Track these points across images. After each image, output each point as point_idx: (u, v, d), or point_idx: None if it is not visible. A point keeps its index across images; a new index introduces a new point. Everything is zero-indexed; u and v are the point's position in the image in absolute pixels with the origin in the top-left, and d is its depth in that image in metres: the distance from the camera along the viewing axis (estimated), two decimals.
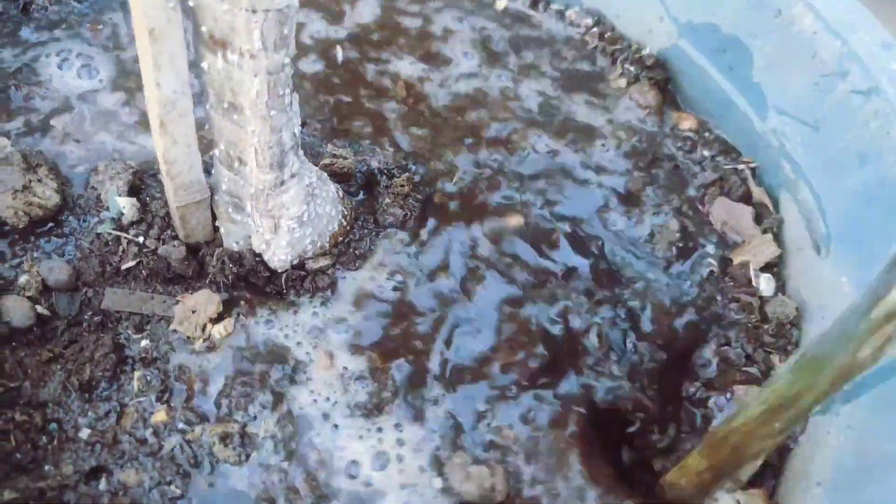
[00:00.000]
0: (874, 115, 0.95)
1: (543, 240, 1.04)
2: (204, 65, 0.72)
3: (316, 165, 0.94)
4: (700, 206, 1.13)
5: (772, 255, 1.07)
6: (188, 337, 0.87)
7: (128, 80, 1.11)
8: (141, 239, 0.92)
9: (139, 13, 0.64)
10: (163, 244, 0.91)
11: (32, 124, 1.03)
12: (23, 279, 0.89)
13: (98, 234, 0.93)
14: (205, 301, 0.87)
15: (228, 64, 0.69)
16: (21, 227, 0.92)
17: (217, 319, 0.87)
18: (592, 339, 0.96)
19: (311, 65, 1.20)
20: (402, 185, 1.00)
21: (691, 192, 1.15)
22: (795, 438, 0.92)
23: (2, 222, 0.92)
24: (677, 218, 1.10)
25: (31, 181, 0.93)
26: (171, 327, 0.87)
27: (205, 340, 0.87)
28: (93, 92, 1.09)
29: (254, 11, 0.65)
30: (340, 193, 0.96)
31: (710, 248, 1.08)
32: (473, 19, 1.32)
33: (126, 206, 0.93)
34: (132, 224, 0.93)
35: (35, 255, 0.92)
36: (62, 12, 1.17)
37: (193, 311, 0.86)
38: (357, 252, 0.96)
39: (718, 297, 1.04)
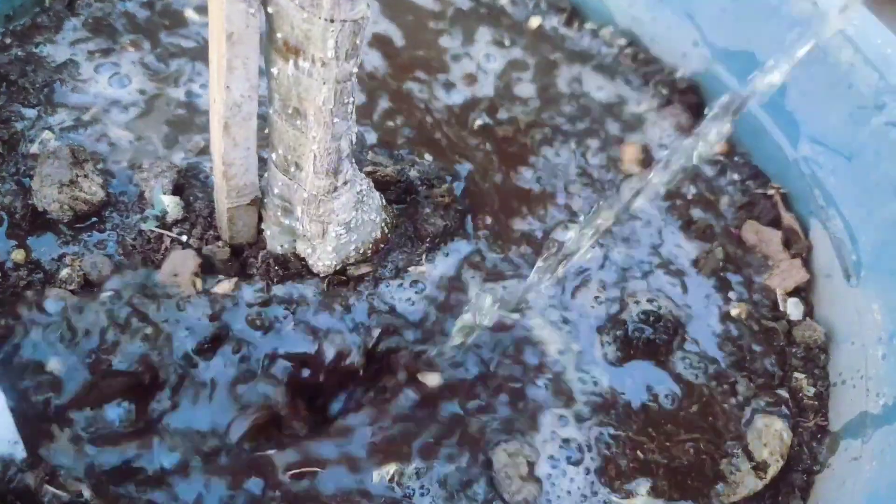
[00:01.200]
0: None
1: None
2: (274, 70, 0.73)
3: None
4: (733, 230, 1.14)
5: (800, 279, 1.08)
6: (187, 296, 0.88)
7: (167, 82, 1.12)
8: (184, 238, 0.92)
9: (219, 17, 0.65)
10: (206, 244, 0.92)
11: (78, 119, 1.03)
12: (64, 273, 0.89)
13: (141, 231, 0.93)
14: (181, 261, 0.87)
15: (299, 70, 0.70)
16: (65, 220, 0.92)
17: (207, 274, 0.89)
18: None
19: None
20: (442, 196, 1.01)
21: (724, 211, 1.16)
22: (825, 464, 0.93)
23: (47, 215, 0.92)
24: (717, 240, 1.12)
25: (77, 176, 0.93)
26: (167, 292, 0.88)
27: (202, 293, 0.88)
28: (136, 92, 1.10)
29: (332, 21, 0.66)
30: (383, 201, 0.97)
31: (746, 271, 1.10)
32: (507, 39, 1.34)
33: (171, 204, 0.94)
34: (176, 223, 0.94)
35: (77, 249, 0.92)
36: (105, 9, 1.18)
37: (175, 275, 0.86)
38: (398, 263, 0.97)
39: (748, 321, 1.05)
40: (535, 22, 1.37)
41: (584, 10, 1.39)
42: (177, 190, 0.96)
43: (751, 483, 0.91)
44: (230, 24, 0.65)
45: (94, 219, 0.94)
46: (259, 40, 0.70)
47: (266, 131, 0.81)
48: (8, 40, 1.09)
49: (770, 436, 0.93)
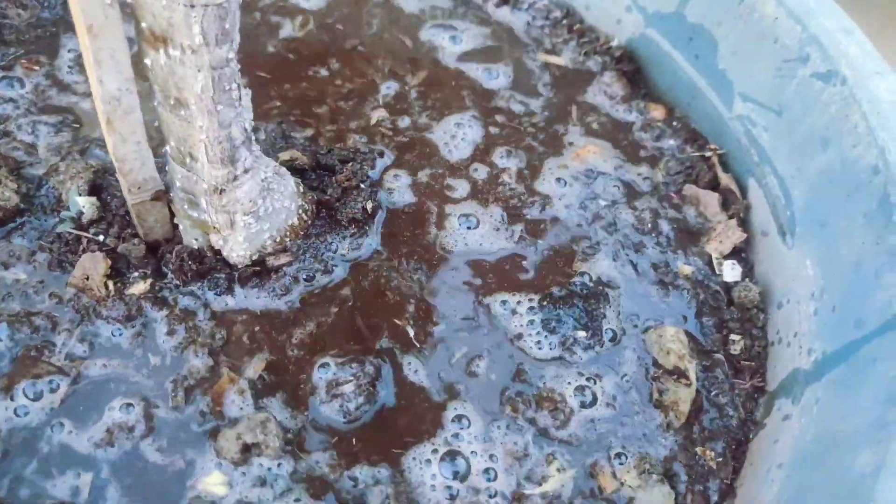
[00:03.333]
0: (834, 98, 0.95)
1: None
2: (147, 61, 0.72)
3: (276, 161, 0.94)
4: (672, 194, 1.12)
5: (738, 240, 1.07)
6: (98, 301, 0.87)
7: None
8: (101, 237, 0.92)
9: (77, 10, 0.64)
10: (123, 242, 0.91)
11: None
12: None
13: (59, 235, 0.93)
14: (91, 264, 0.87)
15: (171, 60, 0.69)
16: None
17: (116, 277, 0.89)
18: None
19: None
20: (348, 180, 0.99)
21: (660, 178, 1.14)
22: (760, 423, 0.92)
23: None
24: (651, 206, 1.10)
25: None
26: (74, 298, 0.88)
27: (112, 297, 0.87)
28: (51, 94, 1.09)
29: (192, 6, 0.64)
30: (301, 188, 0.96)
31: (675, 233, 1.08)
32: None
33: (86, 205, 0.93)
34: (92, 223, 0.93)
35: None
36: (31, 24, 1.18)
37: (87, 278, 0.86)
38: (319, 252, 0.96)
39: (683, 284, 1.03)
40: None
41: None
42: (94, 190, 0.96)
43: (684, 393, 0.92)
44: (87, 16, 0.64)
45: (10, 224, 0.94)
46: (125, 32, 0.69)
47: (156, 124, 0.80)
48: None
49: (667, 341, 0.95)
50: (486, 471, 0.84)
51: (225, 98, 0.74)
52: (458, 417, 0.87)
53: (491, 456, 0.85)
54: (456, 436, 0.86)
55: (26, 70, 1.11)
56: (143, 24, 0.68)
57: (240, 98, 0.76)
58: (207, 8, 0.66)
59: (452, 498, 0.82)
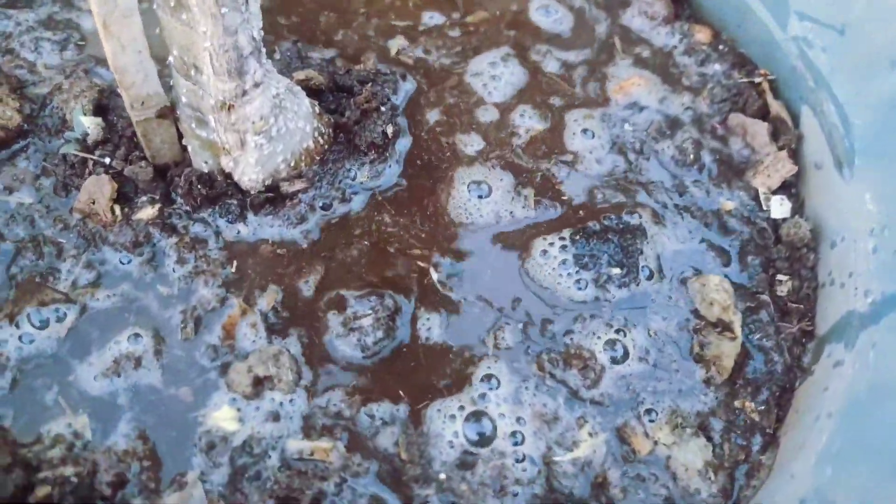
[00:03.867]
0: None
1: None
2: None
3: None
4: (716, 124, 1.04)
5: (788, 173, 0.98)
6: (104, 226, 0.83)
7: None
8: (107, 160, 0.87)
9: None
10: (130, 165, 0.86)
11: None
12: None
13: (64, 156, 0.88)
14: (96, 187, 0.82)
15: None
16: None
17: (123, 202, 0.84)
18: None
19: None
20: (367, 101, 0.92)
21: (704, 108, 1.05)
22: (808, 370, 0.86)
23: None
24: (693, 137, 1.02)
25: None
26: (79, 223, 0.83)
27: (119, 222, 0.83)
28: (61, 10, 1.03)
29: None
30: (317, 109, 0.89)
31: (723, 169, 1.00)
32: None
33: (91, 125, 0.88)
34: (98, 144, 0.88)
35: None
36: None
37: (93, 202, 0.81)
38: (336, 179, 0.90)
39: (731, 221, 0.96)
40: None
41: None
42: (99, 110, 0.91)
43: (728, 347, 0.85)
44: None
45: (13, 145, 0.90)
46: None
47: (157, 30, 0.73)
48: None
49: (711, 291, 0.88)
50: (514, 434, 0.78)
51: (230, 0, 0.67)
52: (487, 376, 0.81)
53: (518, 419, 0.79)
54: (483, 396, 0.80)
55: None
56: None
57: (247, 1, 0.70)
58: None
59: (469, 459, 0.77)
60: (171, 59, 0.75)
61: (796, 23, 1.00)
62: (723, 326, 0.87)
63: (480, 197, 0.92)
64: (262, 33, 0.74)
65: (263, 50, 0.76)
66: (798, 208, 0.98)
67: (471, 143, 0.97)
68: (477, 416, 0.79)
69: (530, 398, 0.80)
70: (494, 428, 0.78)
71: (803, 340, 0.89)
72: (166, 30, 0.71)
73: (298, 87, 0.85)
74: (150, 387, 0.77)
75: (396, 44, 1.07)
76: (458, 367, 0.82)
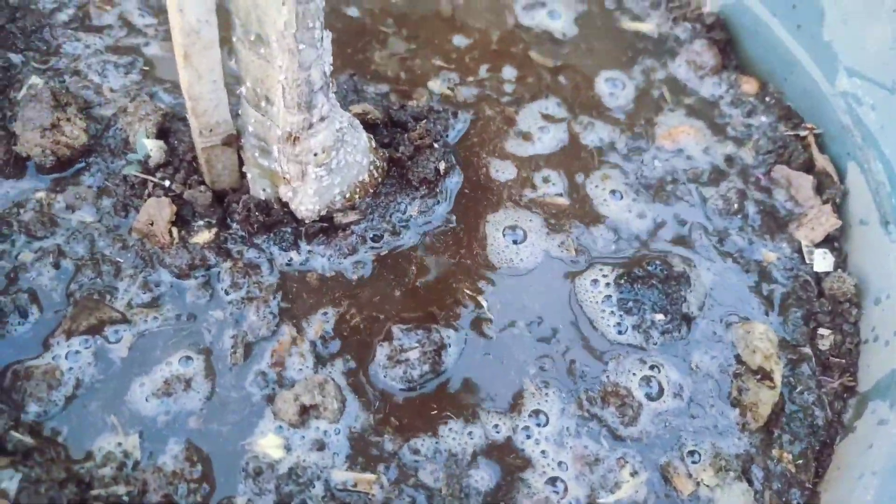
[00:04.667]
0: None
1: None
2: None
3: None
4: (760, 175, 1.05)
5: (832, 227, 0.99)
6: (161, 247, 0.84)
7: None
8: (167, 183, 0.89)
9: None
10: (189, 189, 0.88)
11: (66, 66, 1.00)
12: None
13: (125, 177, 0.90)
14: (156, 209, 0.84)
15: None
16: (48, 166, 0.90)
17: (180, 225, 0.86)
18: None
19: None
20: (421, 138, 0.94)
21: (749, 158, 1.07)
22: (850, 426, 0.86)
23: (29, 160, 0.90)
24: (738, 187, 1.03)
25: (59, 119, 0.90)
26: (137, 243, 0.85)
27: (176, 244, 0.84)
28: (127, 36, 1.06)
29: None
30: (373, 143, 0.91)
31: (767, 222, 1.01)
32: None
33: (153, 148, 0.90)
34: (159, 167, 0.90)
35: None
36: None
37: (152, 223, 0.83)
38: (388, 212, 0.91)
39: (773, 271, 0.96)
40: None
41: None
42: (161, 133, 0.93)
43: (766, 395, 0.85)
44: None
45: (77, 164, 0.92)
46: None
47: (233, 62, 0.76)
48: None
49: (755, 339, 0.88)
50: (553, 481, 0.79)
51: (307, 37, 0.69)
52: (535, 412, 0.82)
53: (560, 464, 0.79)
54: (526, 431, 0.81)
55: (98, 9, 1.08)
56: None
57: (321, 39, 0.72)
58: None
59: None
60: (242, 89, 0.77)
61: (845, 79, 1.02)
62: (763, 374, 0.87)
63: (516, 242, 0.94)
64: (331, 69, 0.77)
65: (331, 84, 0.78)
66: (841, 262, 0.99)
67: (517, 187, 0.99)
68: (522, 456, 0.79)
69: (572, 440, 0.81)
70: (534, 466, 0.79)
71: (844, 396, 0.89)
72: (243, 62, 0.74)
73: (358, 122, 0.87)
74: (199, 410, 0.78)
75: (448, 82, 1.09)
76: (499, 403, 0.82)
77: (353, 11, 1.16)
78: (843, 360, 0.91)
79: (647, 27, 1.21)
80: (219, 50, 0.72)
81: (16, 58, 0.99)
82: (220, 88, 0.75)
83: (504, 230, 0.95)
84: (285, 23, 0.66)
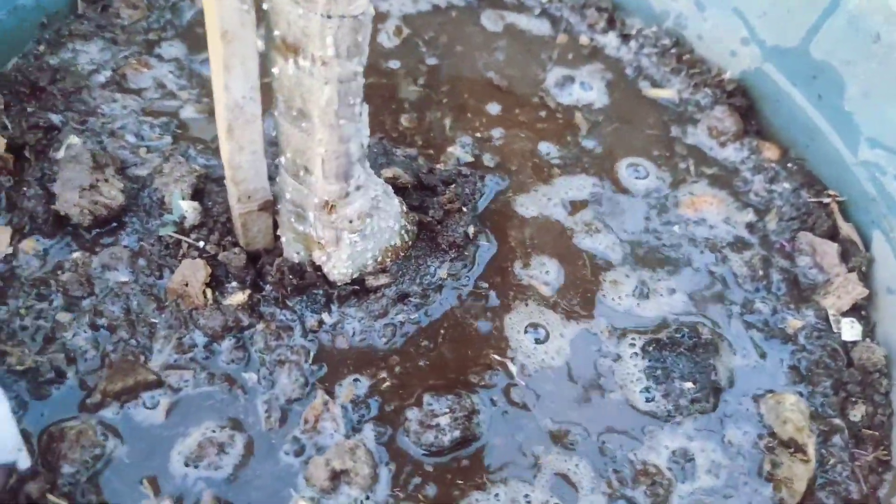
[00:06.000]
0: None
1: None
2: (275, 70, 0.70)
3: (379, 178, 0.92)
4: (784, 242, 1.06)
5: (858, 296, 0.99)
6: (195, 308, 0.85)
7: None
8: (202, 244, 0.91)
9: (213, 15, 0.62)
10: (223, 250, 0.90)
11: (103, 126, 1.03)
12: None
13: (160, 237, 0.92)
14: (191, 270, 0.85)
15: (299, 70, 0.67)
16: (86, 225, 0.91)
17: (214, 286, 0.87)
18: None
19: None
20: (451, 202, 0.95)
21: (772, 225, 1.08)
22: (885, 502, 0.84)
23: (68, 220, 0.92)
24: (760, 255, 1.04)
25: (98, 180, 0.92)
26: (173, 305, 0.86)
27: (209, 305, 0.85)
28: (161, 98, 1.09)
29: (329, 17, 0.62)
30: (404, 207, 0.93)
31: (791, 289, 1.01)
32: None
33: (188, 209, 0.92)
34: (194, 228, 0.92)
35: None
36: (135, 17, 1.19)
37: (186, 284, 0.84)
38: (418, 275, 0.92)
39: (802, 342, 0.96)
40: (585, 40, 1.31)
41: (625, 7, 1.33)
42: (196, 195, 0.95)
43: (801, 469, 0.84)
44: (223, 21, 0.62)
45: (114, 224, 0.94)
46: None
47: (274, 134, 0.78)
48: (41, 48, 1.11)
49: (786, 410, 0.87)
50: None
51: (348, 112, 0.71)
52: (563, 480, 0.82)
53: None
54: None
55: (134, 71, 1.12)
56: (276, 32, 0.66)
57: (361, 113, 0.74)
58: (344, 19, 0.63)
59: None
60: (281, 159, 0.79)
61: (867, 149, 1.03)
62: (795, 447, 0.86)
63: (538, 341, 0.94)
64: (369, 140, 0.79)
65: (367, 154, 0.80)
66: (869, 332, 0.98)
67: (542, 264, 0.99)
68: None
69: None
70: None
71: (879, 470, 0.88)
72: (283, 134, 0.76)
73: (390, 188, 0.89)
74: (231, 475, 0.78)
75: (474, 146, 1.11)
76: (528, 472, 0.82)
77: (386, 67, 1.19)
78: (877, 433, 0.90)
79: (668, 94, 1.23)
80: (261, 123, 0.74)
81: (56, 118, 1.02)
82: (260, 158, 0.77)
83: (527, 327, 0.94)
84: (327, 100, 0.68)
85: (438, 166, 1.05)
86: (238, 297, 0.87)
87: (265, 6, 0.65)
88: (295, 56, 0.66)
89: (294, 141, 0.75)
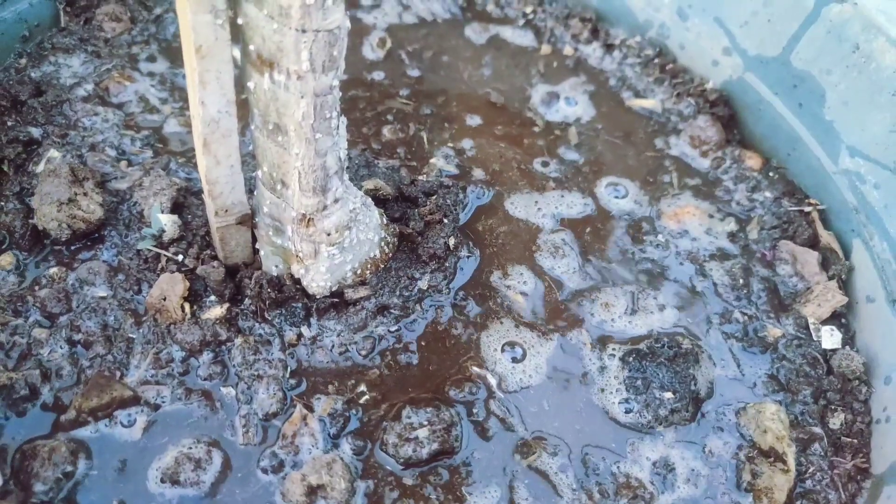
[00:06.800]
0: None
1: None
2: (250, 84, 0.70)
3: (360, 190, 0.91)
4: (764, 251, 1.06)
5: (838, 304, 0.99)
6: (173, 323, 0.85)
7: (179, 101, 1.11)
8: (180, 257, 0.90)
9: (187, 30, 0.62)
10: (202, 263, 0.89)
11: (83, 140, 1.02)
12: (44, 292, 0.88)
13: (138, 251, 0.91)
14: (169, 285, 0.84)
15: (275, 84, 0.67)
16: (64, 239, 0.91)
17: (193, 299, 0.86)
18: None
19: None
20: (431, 213, 0.96)
21: (753, 234, 1.08)
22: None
23: (46, 234, 0.91)
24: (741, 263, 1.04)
25: (76, 194, 0.92)
26: (151, 320, 0.85)
27: (187, 319, 0.85)
28: (143, 112, 1.09)
29: (303, 31, 0.62)
30: (384, 219, 0.93)
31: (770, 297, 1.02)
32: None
33: (167, 222, 0.92)
34: (172, 242, 0.92)
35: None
36: (118, 30, 1.19)
37: (164, 299, 0.84)
38: (398, 287, 0.92)
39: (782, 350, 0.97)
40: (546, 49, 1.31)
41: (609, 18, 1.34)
42: (176, 208, 0.95)
43: (781, 479, 0.84)
44: (198, 36, 0.62)
45: (94, 237, 0.93)
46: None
47: (251, 147, 0.78)
48: (23, 60, 1.10)
49: (766, 419, 0.87)
50: None
51: (324, 126, 0.71)
52: (545, 491, 0.81)
53: None
54: None
55: (117, 85, 1.12)
56: (251, 47, 0.66)
57: (338, 127, 0.74)
58: (318, 34, 0.63)
59: None
60: (258, 173, 0.79)
61: (847, 158, 1.04)
62: (775, 457, 0.86)
63: (515, 359, 0.94)
64: (346, 153, 0.78)
65: (345, 167, 0.80)
66: (849, 340, 0.99)
67: (521, 275, 0.99)
68: None
69: None
70: None
71: (858, 478, 0.88)
72: (260, 148, 0.76)
73: (370, 200, 0.89)
74: (209, 492, 0.77)
75: (456, 158, 1.11)
76: (506, 482, 0.81)
77: (370, 79, 1.19)
78: (856, 441, 0.90)
79: (652, 104, 1.24)
80: (237, 137, 0.74)
81: (36, 132, 1.02)
82: (237, 172, 0.77)
83: (505, 345, 0.94)
84: (303, 114, 0.68)
85: (420, 178, 1.05)
86: (216, 311, 0.87)
87: (240, 21, 0.65)
88: (270, 70, 0.66)
89: (270, 155, 0.75)
